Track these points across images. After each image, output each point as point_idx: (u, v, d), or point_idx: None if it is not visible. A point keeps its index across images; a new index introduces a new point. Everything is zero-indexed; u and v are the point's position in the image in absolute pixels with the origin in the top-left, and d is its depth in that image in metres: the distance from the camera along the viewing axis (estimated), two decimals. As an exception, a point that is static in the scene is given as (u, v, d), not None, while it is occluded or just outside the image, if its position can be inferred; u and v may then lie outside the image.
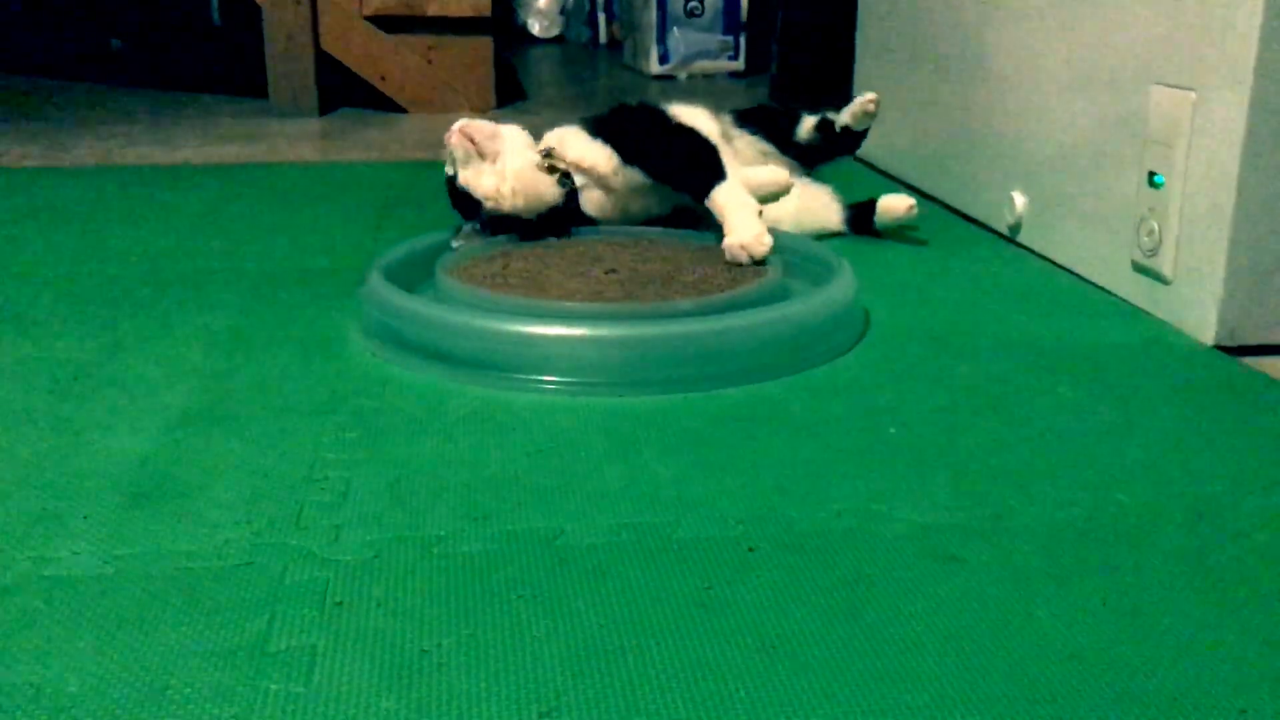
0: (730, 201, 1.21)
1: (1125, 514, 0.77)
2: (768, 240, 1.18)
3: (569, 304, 1.05)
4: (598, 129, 1.29)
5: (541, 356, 0.97)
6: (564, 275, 1.14)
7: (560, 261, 1.19)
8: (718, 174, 1.23)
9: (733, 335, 0.99)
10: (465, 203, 1.26)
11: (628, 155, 1.26)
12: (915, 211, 1.44)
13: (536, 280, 1.12)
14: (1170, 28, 1.12)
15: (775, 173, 1.41)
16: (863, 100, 1.44)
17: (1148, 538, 0.74)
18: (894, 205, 1.45)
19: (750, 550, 0.72)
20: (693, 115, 1.42)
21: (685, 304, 1.05)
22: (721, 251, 1.19)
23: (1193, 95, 1.09)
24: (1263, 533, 0.75)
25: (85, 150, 2.10)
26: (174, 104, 2.72)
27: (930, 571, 0.70)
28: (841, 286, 1.09)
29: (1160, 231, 1.14)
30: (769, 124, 1.48)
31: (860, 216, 1.46)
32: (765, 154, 1.47)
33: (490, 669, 0.60)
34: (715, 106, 1.48)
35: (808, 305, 1.06)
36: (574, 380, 0.96)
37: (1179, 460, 0.85)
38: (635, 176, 1.27)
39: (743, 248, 1.17)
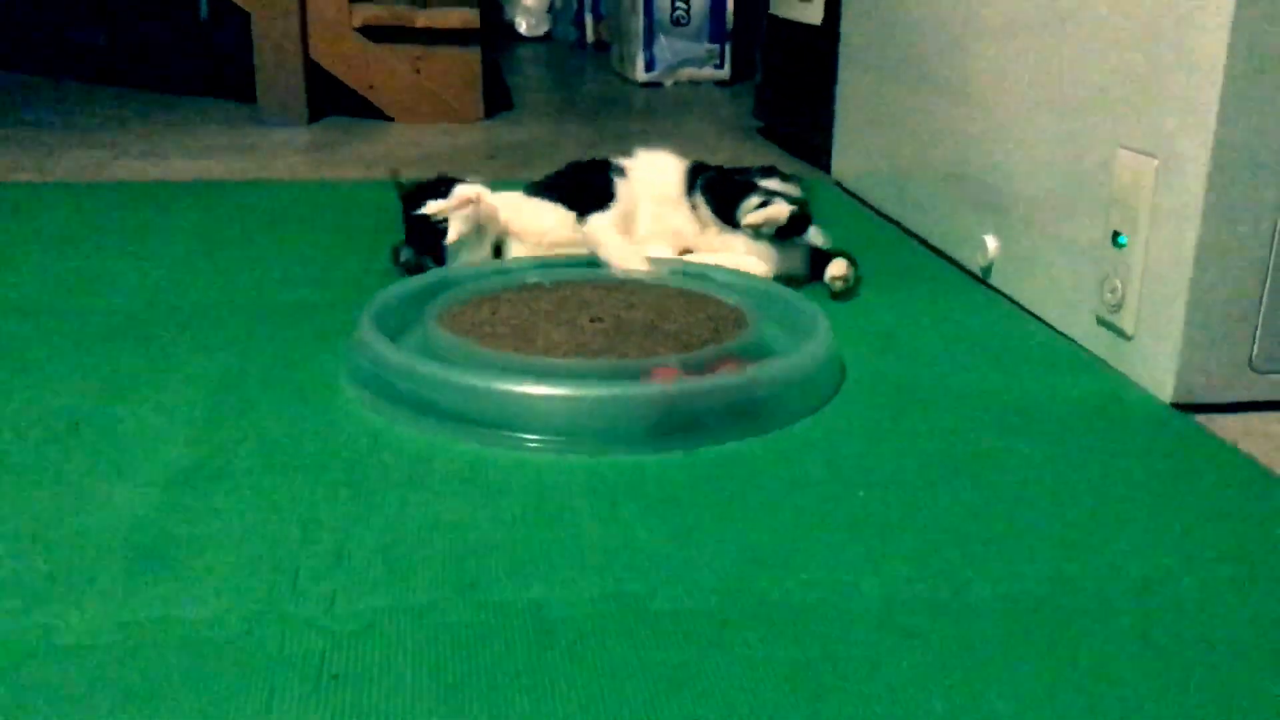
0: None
1: (1077, 588, 0.82)
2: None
3: (553, 360, 1.09)
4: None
5: (526, 414, 1.00)
6: (551, 324, 1.18)
7: (548, 308, 1.23)
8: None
9: (712, 395, 1.03)
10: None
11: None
12: (846, 283, 1.42)
13: (523, 329, 1.16)
14: (1136, 95, 1.16)
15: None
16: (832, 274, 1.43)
17: (1098, 613, 0.79)
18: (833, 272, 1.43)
19: (724, 624, 0.76)
20: (653, 167, 1.49)
21: (668, 361, 1.09)
22: (703, 299, 1.24)
23: (1155, 162, 1.13)
24: (1209, 609, 0.79)
25: (75, 162, 2.12)
26: (162, 108, 2.74)
27: (891, 648, 0.74)
28: (819, 344, 1.13)
29: (1123, 290, 1.19)
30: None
31: (819, 265, 1.45)
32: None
33: (478, 749, 0.64)
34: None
35: (787, 364, 1.09)
36: (558, 439, 1.00)
37: (1132, 529, 0.90)
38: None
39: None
